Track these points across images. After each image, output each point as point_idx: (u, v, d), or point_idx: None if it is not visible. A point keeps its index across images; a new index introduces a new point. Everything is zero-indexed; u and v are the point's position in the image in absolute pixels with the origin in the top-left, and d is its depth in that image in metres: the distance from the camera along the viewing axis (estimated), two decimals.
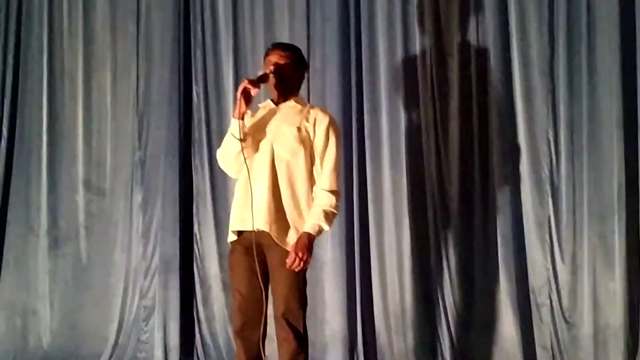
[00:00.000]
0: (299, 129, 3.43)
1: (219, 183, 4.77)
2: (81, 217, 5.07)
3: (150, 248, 4.89)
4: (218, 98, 4.86)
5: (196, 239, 4.85)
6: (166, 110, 4.92)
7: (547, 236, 4.30)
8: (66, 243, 5.08)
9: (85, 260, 5.04)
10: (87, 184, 5.08)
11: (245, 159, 3.36)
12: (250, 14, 4.83)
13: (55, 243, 5.08)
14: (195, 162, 4.88)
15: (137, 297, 4.90)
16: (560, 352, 4.26)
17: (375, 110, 4.53)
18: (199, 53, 4.90)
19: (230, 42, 4.83)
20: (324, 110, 3.61)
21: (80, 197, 5.08)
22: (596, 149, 4.23)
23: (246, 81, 3.37)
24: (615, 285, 4.18)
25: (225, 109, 4.82)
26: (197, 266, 4.84)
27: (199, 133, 4.88)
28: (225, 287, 4.70)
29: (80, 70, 5.13)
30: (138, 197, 4.94)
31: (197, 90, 4.90)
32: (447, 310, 4.42)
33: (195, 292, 4.83)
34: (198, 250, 4.84)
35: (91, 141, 5.09)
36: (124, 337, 4.88)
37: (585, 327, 4.22)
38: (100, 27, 5.12)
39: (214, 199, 4.81)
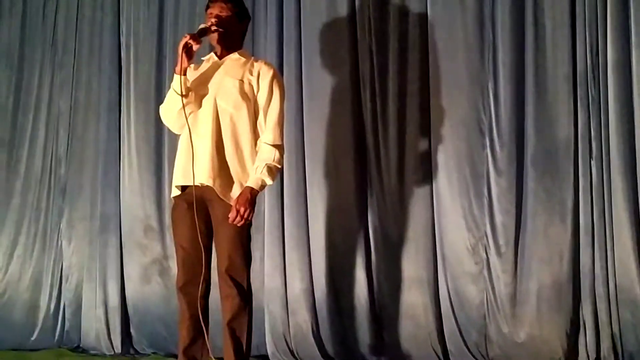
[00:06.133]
0: (241, 81, 3.38)
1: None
2: None
3: None
4: None
5: None
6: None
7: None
8: None
9: None
10: None
11: (186, 114, 3.31)
12: None
13: None
14: None
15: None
16: None
17: (311, 65, 4.48)
18: None
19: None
20: (268, 63, 3.56)
21: None
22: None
23: (187, 36, 3.29)
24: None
25: None
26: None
27: None
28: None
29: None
30: None
31: None
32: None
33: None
34: None
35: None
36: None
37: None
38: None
39: None
